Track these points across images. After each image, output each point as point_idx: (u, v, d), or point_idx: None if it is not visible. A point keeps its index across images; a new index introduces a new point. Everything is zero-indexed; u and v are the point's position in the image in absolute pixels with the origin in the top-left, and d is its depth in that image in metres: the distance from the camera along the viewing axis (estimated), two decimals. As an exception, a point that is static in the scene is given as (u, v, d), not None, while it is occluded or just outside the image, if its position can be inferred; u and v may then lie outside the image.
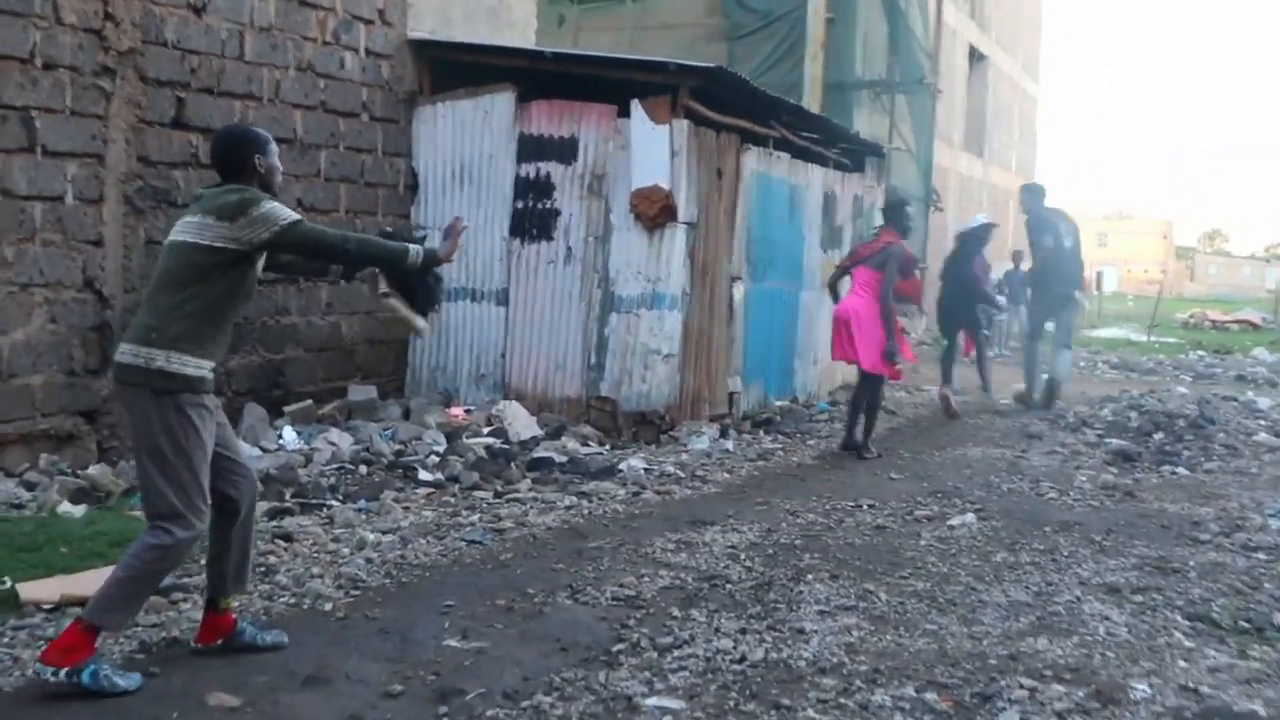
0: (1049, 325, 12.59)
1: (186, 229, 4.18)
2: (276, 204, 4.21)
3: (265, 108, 9.01)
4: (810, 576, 5.86)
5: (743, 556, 6.30)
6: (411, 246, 4.47)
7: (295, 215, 4.24)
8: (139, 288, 8.07)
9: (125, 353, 4.14)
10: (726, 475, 8.53)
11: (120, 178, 7.95)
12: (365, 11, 9.92)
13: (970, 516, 7.28)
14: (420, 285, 4.71)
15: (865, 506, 7.58)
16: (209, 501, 4.21)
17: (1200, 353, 22.27)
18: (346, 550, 6.15)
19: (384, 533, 6.49)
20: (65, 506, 6.76)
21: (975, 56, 27.58)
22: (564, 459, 8.56)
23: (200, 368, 4.15)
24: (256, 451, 8.21)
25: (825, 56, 18.87)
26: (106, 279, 7.90)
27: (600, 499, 7.59)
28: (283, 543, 6.32)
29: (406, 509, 7.09)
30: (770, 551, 6.43)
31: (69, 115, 7.60)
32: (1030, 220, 12.50)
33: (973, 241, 12.83)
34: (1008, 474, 8.81)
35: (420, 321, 4.95)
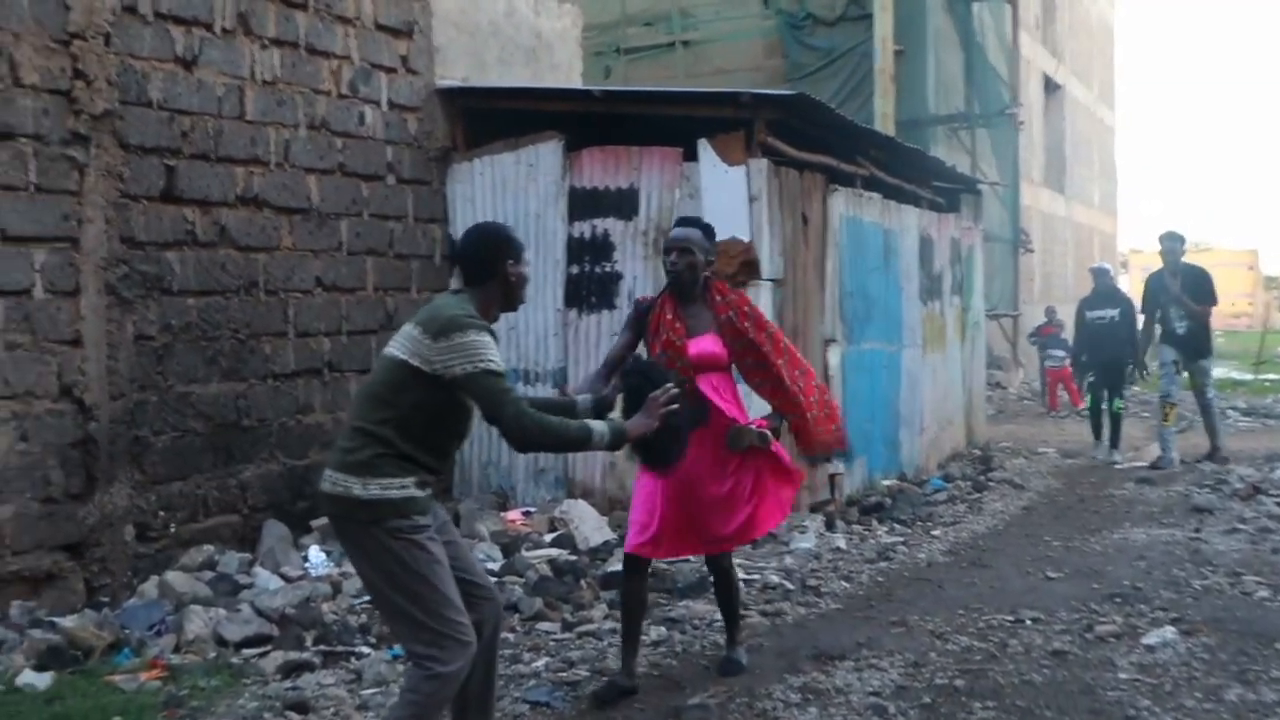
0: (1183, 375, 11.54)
1: (397, 338, 3.83)
2: (485, 341, 3.72)
3: (273, 173, 7.71)
4: (995, 746, 4.31)
5: (892, 710, 4.79)
6: (596, 430, 3.90)
7: (494, 364, 3.72)
8: (128, 393, 6.77)
9: (325, 479, 3.79)
10: (844, 584, 6.97)
11: (100, 264, 6.67)
12: (385, 59, 8.64)
13: (1170, 632, 5.68)
14: (654, 438, 4.14)
15: (1029, 622, 6.01)
16: (467, 615, 3.77)
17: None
18: (372, 727, 4.71)
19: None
20: (27, 676, 5.39)
21: (1050, 86, 26.01)
22: (644, 571, 7.05)
23: (404, 487, 3.72)
24: (276, 581, 6.81)
25: (896, 92, 17.46)
26: (88, 385, 6.59)
27: (695, 627, 6.08)
28: (295, 716, 4.90)
29: (453, 656, 5.62)
30: (927, 700, 4.89)
31: (34, 193, 6.36)
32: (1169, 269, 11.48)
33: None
34: (1193, 565, 7.16)
35: None
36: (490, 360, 3.69)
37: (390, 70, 8.68)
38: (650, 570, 5.41)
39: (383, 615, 3.96)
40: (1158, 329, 11.59)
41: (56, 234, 6.46)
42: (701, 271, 5.07)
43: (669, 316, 5.02)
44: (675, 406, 4.16)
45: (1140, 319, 12.02)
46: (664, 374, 4.43)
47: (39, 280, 6.39)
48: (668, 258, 5.07)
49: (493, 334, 3.78)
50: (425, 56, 9.01)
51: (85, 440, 6.59)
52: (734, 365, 5.11)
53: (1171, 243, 11.43)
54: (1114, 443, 12.14)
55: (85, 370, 6.59)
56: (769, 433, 4.97)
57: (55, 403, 6.47)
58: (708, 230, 5.19)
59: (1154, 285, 11.59)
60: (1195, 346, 11.37)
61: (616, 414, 4.38)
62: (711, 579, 5.46)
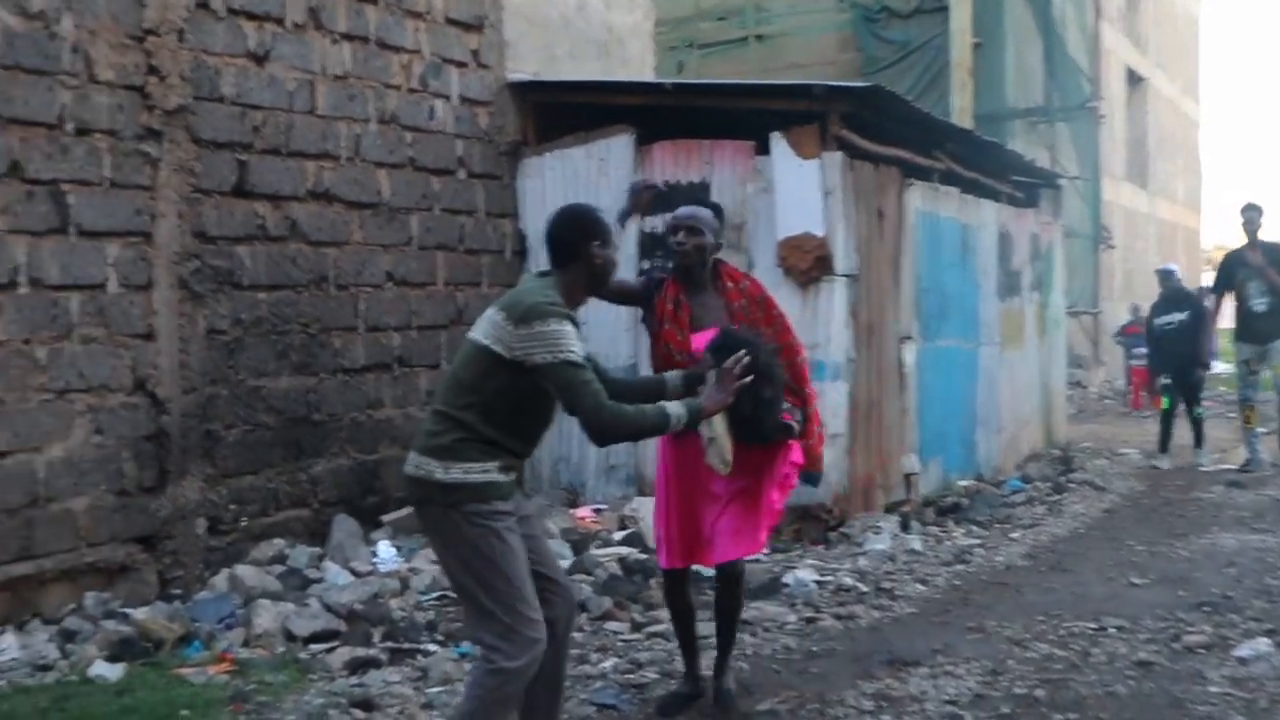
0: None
1: (481, 322, 3.78)
2: (565, 331, 3.62)
3: (344, 168, 7.70)
4: (1078, 759, 4.14)
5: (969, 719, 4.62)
6: (673, 413, 3.79)
7: (573, 355, 3.62)
8: (200, 387, 6.79)
9: (409, 463, 3.77)
10: (920, 587, 6.79)
11: (173, 258, 6.70)
12: (456, 53, 8.59)
13: (1264, 643, 5.44)
14: (743, 408, 4.08)
15: (1112, 630, 5.79)
16: (540, 610, 3.70)
17: None
18: (438, 725, 4.66)
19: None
20: (99, 667, 5.41)
21: (1133, 79, 25.39)
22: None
23: (485, 472, 3.66)
24: (345, 576, 6.80)
25: (973, 85, 17.14)
26: (161, 378, 6.62)
27: (765, 630, 5.95)
28: (360, 713, 4.85)
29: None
30: (1006, 710, 4.72)
31: (108, 188, 6.39)
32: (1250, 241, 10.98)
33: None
34: (1287, 572, 6.91)
35: (716, 459, 4.27)
36: (570, 350, 3.61)
37: (461, 65, 8.64)
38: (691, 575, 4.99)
39: (460, 602, 3.92)
40: (1230, 312, 11.12)
41: (130, 228, 6.50)
42: (710, 254, 4.69)
43: (670, 307, 4.61)
44: (748, 379, 4.01)
45: (1211, 301, 11.55)
46: (750, 341, 4.19)
47: (113, 274, 6.43)
48: (674, 237, 4.68)
49: (574, 321, 3.68)
50: (496, 51, 8.96)
51: (158, 434, 6.63)
52: None
53: (1251, 213, 10.89)
54: (1197, 443, 11.65)
55: (158, 364, 6.62)
56: (794, 425, 4.53)
57: (129, 396, 6.51)
58: (718, 210, 4.84)
59: (1231, 260, 11.15)
60: (1275, 325, 10.77)
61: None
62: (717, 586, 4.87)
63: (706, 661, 4.96)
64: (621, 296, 4.83)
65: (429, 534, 3.84)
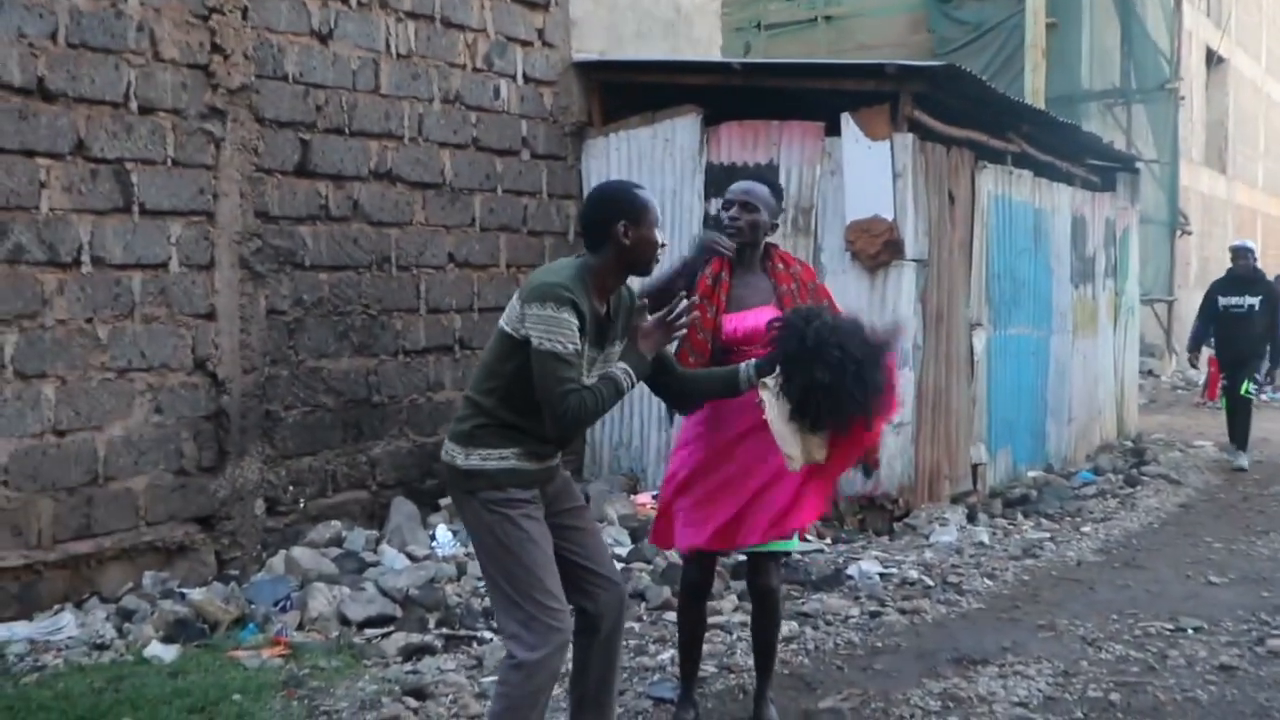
0: None
1: (507, 307, 3.66)
2: (559, 319, 3.47)
3: (406, 148, 7.63)
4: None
5: (1040, 723, 4.46)
6: (617, 374, 3.61)
7: (563, 345, 3.47)
8: (260, 367, 6.77)
9: (442, 449, 3.73)
10: (988, 582, 6.61)
11: (234, 238, 6.66)
12: (522, 32, 8.48)
13: (1353, 649, 5.22)
14: (798, 381, 3.84)
15: (1190, 631, 5.59)
16: (563, 601, 3.60)
17: None
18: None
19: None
20: (155, 648, 5.40)
21: (1213, 60, 24.72)
22: (775, 561, 6.79)
23: (503, 459, 3.58)
24: (402, 560, 6.76)
25: (1047, 66, 16.73)
26: (221, 358, 6.60)
27: (828, 623, 5.81)
28: (413, 701, 4.79)
29: (576, 643, 5.45)
30: (1079, 714, 4.58)
31: (171, 167, 6.36)
32: None
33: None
34: (1375, 573, 6.64)
35: (790, 445, 3.91)
36: (555, 340, 3.46)
37: (526, 43, 8.53)
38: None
39: (488, 591, 3.78)
40: None
41: (192, 208, 6.47)
42: (764, 234, 4.40)
43: (708, 283, 4.31)
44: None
45: None
46: (815, 313, 3.92)
47: (175, 254, 6.40)
48: (726, 212, 4.39)
49: (575, 307, 3.48)
50: (562, 29, 8.84)
51: (217, 414, 6.60)
52: None
53: None
54: (1233, 437, 10.84)
55: (218, 344, 6.60)
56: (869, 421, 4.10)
57: (189, 376, 6.49)
58: (776, 189, 4.53)
59: None
60: None
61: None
62: (750, 603, 4.57)
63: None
64: (661, 291, 4.26)
65: (461, 520, 3.79)
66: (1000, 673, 5.03)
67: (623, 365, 3.63)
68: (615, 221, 3.60)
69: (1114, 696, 4.73)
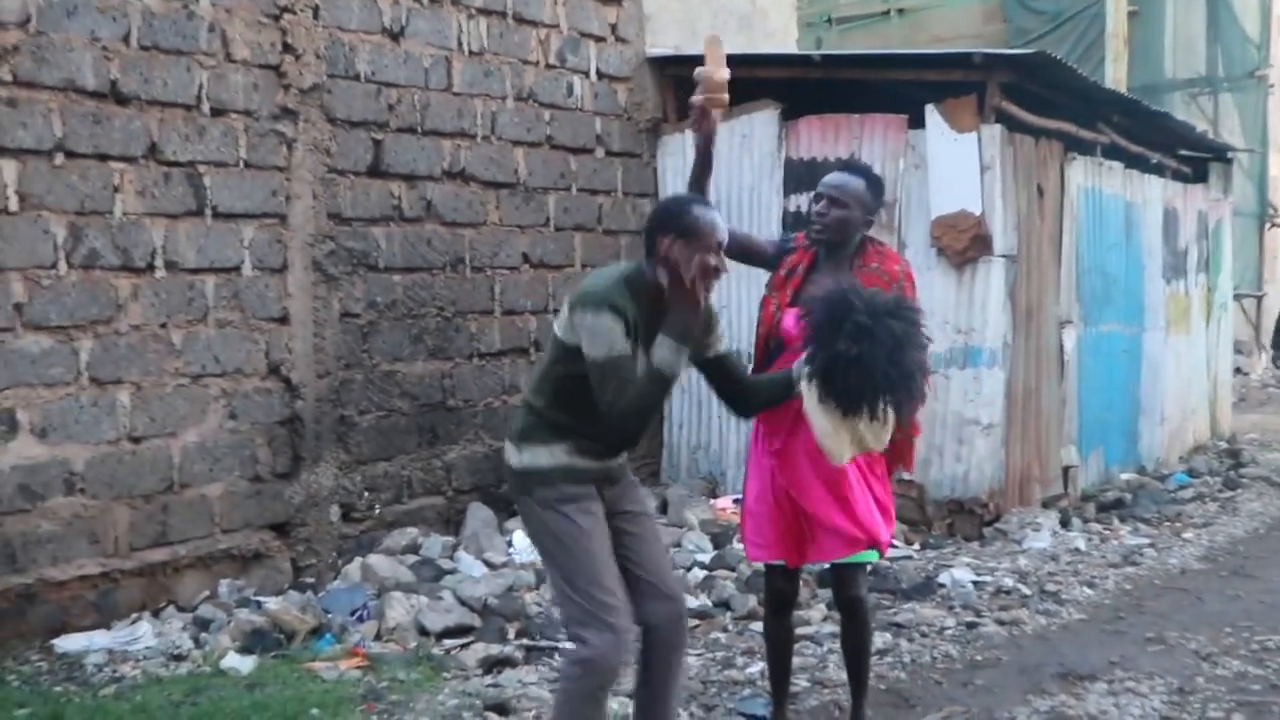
0: None
1: (560, 312, 3.66)
2: (600, 325, 3.40)
3: (480, 146, 7.49)
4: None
5: (1159, 746, 4.20)
6: (657, 359, 3.44)
7: (611, 350, 3.40)
8: (334, 371, 6.66)
9: (504, 454, 3.75)
10: (1088, 590, 6.32)
11: (308, 240, 6.57)
12: (595, 27, 8.32)
13: None
14: (822, 355, 3.60)
15: (1312, 646, 5.27)
16: (622, 598, 3.54)
17: None
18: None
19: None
20: (232, 659, 5.30)
21: (1301, 47, 23.98)
22: (863, 568, 6.56)
23: (554, 455, 3.58)
24: (480, 567, 6.62)
25: (1129, 56, 16.27)
26: (295, 363, 6.51)
27: (923, 634, 5.57)
28: (495, 717, 4.64)
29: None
30: (1199, 736, 4.28)
31: (243, 169, 6.27)
32: None
33: None
34: None
35: (826, 436, 3.68)
36: (607, 348, 3.40)
37: (599, 39, 8.37)
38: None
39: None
40: None
41: (265, 210, 6.38)
42: (855, 231, 4.09)
43: (782, 274, 4.12)
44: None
45: None
46: (854, 295, 3.61)
47: (248, 257, 6.32)
48: (815, 205, 4.14)
49: (618, 311, 3.39)
50: (635, 24, 8.66)
51: (292, 419, 6.51)
52: None
53: None
54: None
55: (292, 348, 6.51)
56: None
57: (263, 381, 6.40)
58: (873, 181, 4.19)
59: None
60: None
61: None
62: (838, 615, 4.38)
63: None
64: (743, 251, 4.22)
65: (522, 521, 3.83)
66: (1110, 689, 4.76)
67: (660, 336, 3.45)
68: (661, 234, 3.52)
69: (1236, 717, 4.45)
